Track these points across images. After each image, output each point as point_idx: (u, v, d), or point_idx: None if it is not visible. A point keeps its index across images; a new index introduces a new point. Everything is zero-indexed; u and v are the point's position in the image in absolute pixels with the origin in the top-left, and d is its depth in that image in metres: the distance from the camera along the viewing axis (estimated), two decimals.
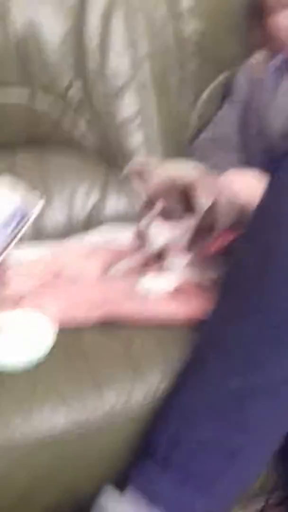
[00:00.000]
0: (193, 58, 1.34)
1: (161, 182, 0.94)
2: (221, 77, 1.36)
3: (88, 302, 0.90)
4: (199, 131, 1.36)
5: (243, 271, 0.79)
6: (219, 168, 1.14)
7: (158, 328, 0.88)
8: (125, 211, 1.27)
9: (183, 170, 0.98)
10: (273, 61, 1.27)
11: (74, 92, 1.24)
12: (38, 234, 1.17)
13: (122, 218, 1.24)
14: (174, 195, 0.93)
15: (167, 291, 0.95)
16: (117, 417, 0.77)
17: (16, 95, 1.23)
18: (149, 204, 0.94)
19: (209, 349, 0.78)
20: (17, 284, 0.93)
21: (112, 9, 1.25)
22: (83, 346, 0.84)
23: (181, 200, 0.92)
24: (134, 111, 1.27)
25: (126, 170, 1.02)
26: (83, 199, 1.24)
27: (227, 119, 1.32)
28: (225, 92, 1.35)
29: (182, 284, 0.95)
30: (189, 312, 0.89)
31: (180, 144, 1.34)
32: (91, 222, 1.22)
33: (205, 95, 1.37)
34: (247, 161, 1.22)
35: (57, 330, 0.85)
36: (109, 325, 0.88)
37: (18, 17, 1.20)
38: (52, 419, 0.74)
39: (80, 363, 0.81)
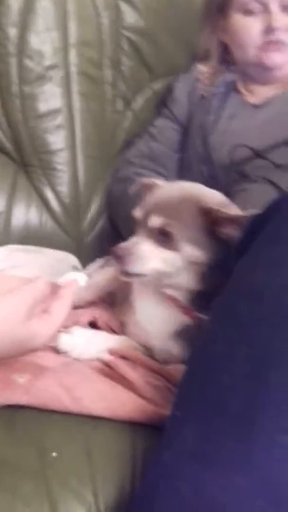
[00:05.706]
0: (127, 58, 1.15)
1: (168, 196, 0.71)
2: (157, 85, 1.18)
3: None
4: (128, 143, 1.15)
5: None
6: None
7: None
8: (38, 225, 0.98)
9: (207, 192, 0.73)
10: (222, 76, 1.08)
11: None
12: None
13: (32, 236, 0.96)
14: (187, 218, 0.68)
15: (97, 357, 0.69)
16: None
17: None
18: (144, 220, 0.70)
19: None
20: None
21: None
22: None
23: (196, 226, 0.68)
24: (55, 106, 1.05)
25: (135, 186, 0.79)
26: None
27: (166, 135, 1.11)
28: (162, 104, 1.15)
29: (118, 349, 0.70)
30: (122, 413, 0.61)
31: (104, 152, 1.12)
32: None
33: (138, 103, 1.16)
34: None
35: None
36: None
37: None
38: None
39: None
